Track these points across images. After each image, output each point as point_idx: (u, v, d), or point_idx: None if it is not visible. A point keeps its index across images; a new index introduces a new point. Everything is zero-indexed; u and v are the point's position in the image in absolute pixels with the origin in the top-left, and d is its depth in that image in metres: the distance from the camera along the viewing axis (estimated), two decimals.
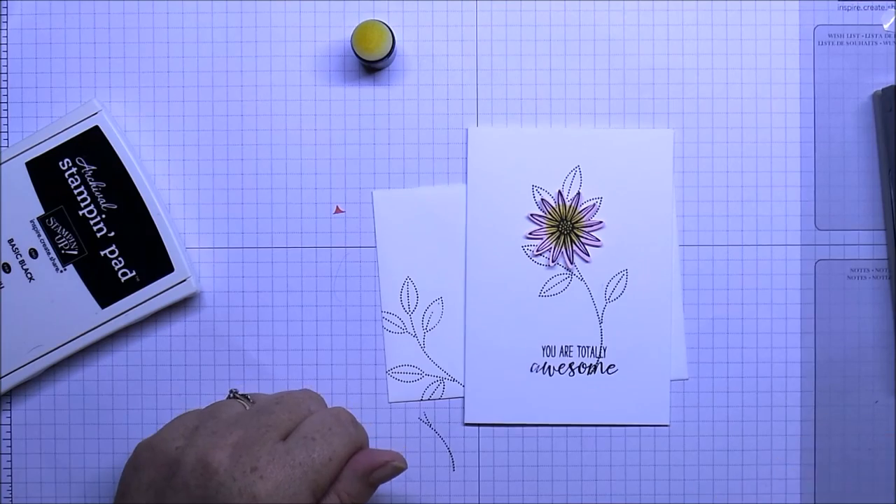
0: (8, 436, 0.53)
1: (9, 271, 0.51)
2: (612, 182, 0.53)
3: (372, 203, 0.53)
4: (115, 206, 0.51)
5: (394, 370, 0.53)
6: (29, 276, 0.51)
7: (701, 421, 0.53)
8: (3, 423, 0.53)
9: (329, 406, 0.52)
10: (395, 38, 0.51)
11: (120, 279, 0.51)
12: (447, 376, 0.53)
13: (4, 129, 0.53)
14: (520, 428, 0.53)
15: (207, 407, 0.48)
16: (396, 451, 0.53)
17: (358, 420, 0.52)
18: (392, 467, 0.47)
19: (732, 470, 0.53)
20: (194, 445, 0.44)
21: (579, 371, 0.53)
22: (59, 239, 0.51)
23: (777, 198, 0.53)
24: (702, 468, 0.53)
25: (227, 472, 0.43)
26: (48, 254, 0.51)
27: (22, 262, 0.51)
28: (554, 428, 0.53)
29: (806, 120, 0.53)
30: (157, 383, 0.53)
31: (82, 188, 0.51)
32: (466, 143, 0.53)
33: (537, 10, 0.53)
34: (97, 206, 0.51)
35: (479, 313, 0.53)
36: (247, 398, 0.49)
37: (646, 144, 0.53)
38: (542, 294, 0.53)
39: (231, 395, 0.49)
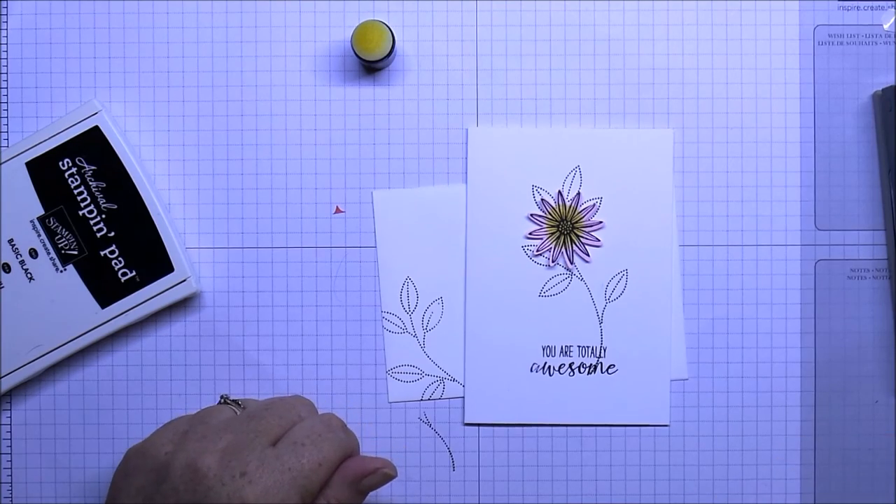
0: (8, 436, 0.53)
1: (9, 271, 0.51)
2: (612, 182, 0.53)
3: (372, 203, 0.53)
4: (115, 206, 0.51)
5: (394, 370, 0.53)
6: (29, 276, 0.51)
7: (701, 421, 0.53)
8: (3, 423, 0.53)
9: (321, 412, 0.52)
10: (395, 38, 0.51)
11: (120, 279, 0.51)
12: (447, 376, 0.53)
13: (4, 129, 0.53)
14: (520, 428, 0.53)
15: (197, 412, 0.48)
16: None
17: (356, 421, 0.53)
18: (382, 474, 0.47)
19: (732, 470, 0.53)
20: (184, 450, 0.44)
21: (579, 371, 0.53)
22: (59, 239, 0.51)
23: (777, 198, 0.53)
24: (702, 468, 0.53)
25: (216, 477, 0.43)
26: (48, 254, 0.51)
27: (22, 262, 0.51)
28: (554, 428, 0.53)
29: (806, 120, 0.53)
30: (157, 383, 0.53)
31: (82, 188, 0.51)
32: (466, 143, 0.53)
33: (537, 10, 0.53)
34: (97, 206, 0.51)
35: (479, 313, 0.53)
36: (237, 403, 0.49)
37: (646, 144, 0.53)
38: (542, 294, 0.53)
39: (222, 400, 0.49)
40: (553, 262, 0.53)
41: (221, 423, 0.46)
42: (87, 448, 0.53)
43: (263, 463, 0.44)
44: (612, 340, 0.53)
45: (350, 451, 0.47)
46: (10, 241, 0.51)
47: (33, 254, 0.51)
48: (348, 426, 0.51)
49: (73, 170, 0.51)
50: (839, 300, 0.53)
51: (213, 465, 0.43)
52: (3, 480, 0.53)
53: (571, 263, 0.53)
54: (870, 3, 0.53)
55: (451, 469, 0.53)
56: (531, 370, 0.53)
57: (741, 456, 0.53)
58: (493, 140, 0.53)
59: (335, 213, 0.53)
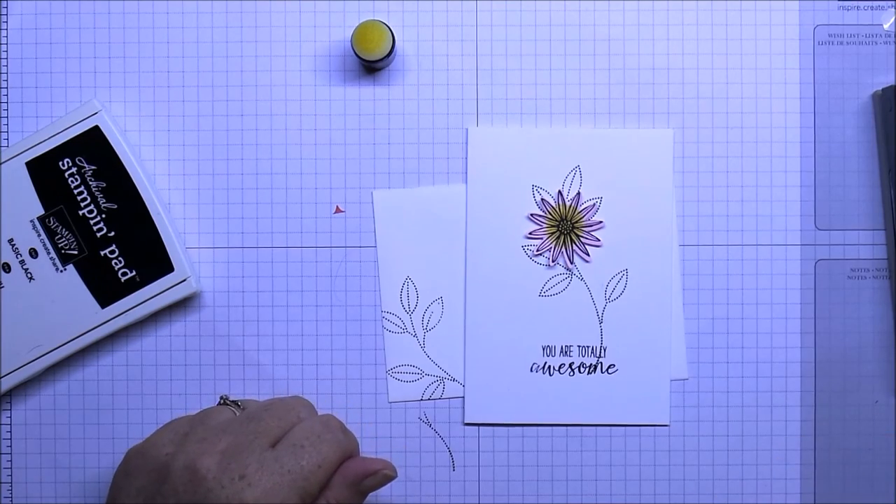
0: (8, 436, 0.53)
1: (9, 271, 0.51)
2: (612, 182, 0.53)
3: (372, 203, 0.53)
4: (115, 206, 0.51)
5: (394, 370, 0.53)
6: (29, 276, 0.51)
7: (701, 421, 0.53)
8: (3, 423, 0.53)
9: (321, 412, 0.52)
10: (395, 38, 0.51)
11: (120, 279, 0.51)
12: (447, 376, 0.53)
13: (4, 129, 0.53)
14: (520, 428, 0.53)
15: (197, 413, 0.48)
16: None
17: (356, 421, 0.53)
18: (383, 475, 0.47)
19: (732, 470, 0.53)
20: (183, 452, 0.44)
21: (579, 371, 0.53)
22: (59, 239, 0.51)
23: (777, 198, 0.53)
24: (702, 468, 0.53)
25: (216, 480, 0.43)
26: (48, 254, 0.51)
27: (22, 262, 0.51)
28: (554, 428, 0.53)
29: (806, 120, 0.53)
30: (157, 383, 0.53)
31: (82, 188, 0.51)
32: (466, 143, 0.53)
33: (537, 10, 0.53)
34: (97, 205, 0.51)
35: (479, 313, 0.53)
36: (237, 404, 0.49)
37: (646, 144, 0.53)
38: (542, 294, 0.53)
39: (221, 401, 0.49)
40: (553, 261, 0.53)
41: (221, 424, 0.46)
42: (87, 448, 0.53)
43: (262, 465, 0.44)
44: (612, 340, 0.53)
45: (350, 451, 0.47)
46: (10, 241, 0.51)
47: (33, 254, 0.51)
48: (348, 426, 0.51)
49: (73, 170, 0.51)
50: (839, 300, 0.53)
51: (213, 468, 0.43)
52: (3, 480, 0.53)
53: (571, 263, 0.53)
54: (870, 3, 0.53)
55: (451, 469, 0.53)
56: (531, 370, 0.53)
57: (741, 456, 0.53)
58: (493, 140, 0.53)
59: (335, 213, 0.53)
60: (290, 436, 0.46)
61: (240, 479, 0.43)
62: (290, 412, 0.47)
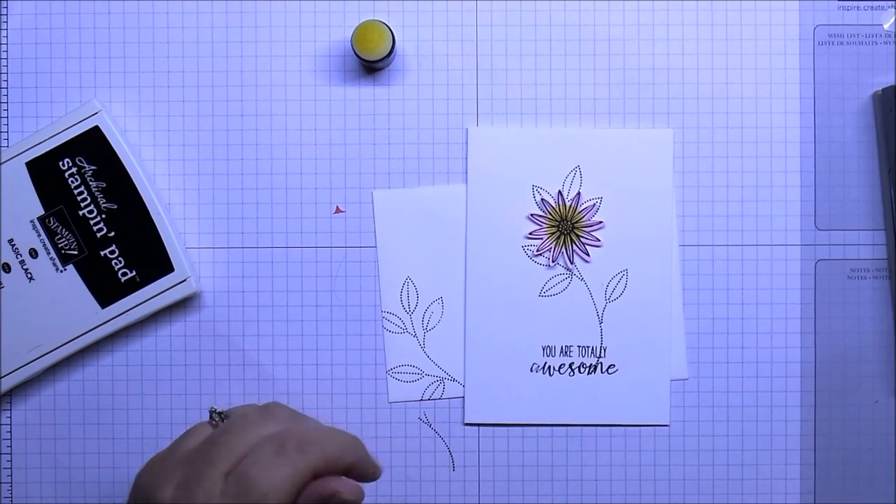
0: (8, 436, 0.53)
1: (9, 271, 0.51)
2: (612, 182, 0.53)
3: (372, 203, 0.53)
4: (115, 206, 0.51)
5: (394, 370, 0.53)
6: (29, 276, 0.51)
7: (701, 421, 0.53)
8: (3, 423, 0.53)
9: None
10: (395, 38, 0.51)
11: (120, 279, 0.51)
12: (447, 376, 0.53)
13: (4, 129, 0.53)
14: (520, 428, 0.53)
15: (182, 434, 0.46)
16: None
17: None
18: (339, 500, 0.44)
19: (732, 470, 0.53)
20: (149, 484, 0.43)
21: (579, 371, 0.53)
22: (59, 239, 0.51)
23: (777, 198, 0.53)
24: (702, 468, 0.53)
25: None
26: (48, 254, 0.51)
27: (22, 262, 0.51)
28: (554, 428, 0.53)
29: (806, 120, 0.53)
30: (157, 383, 0.53)
31: (82, 188, 0.51)
32: (466, 143, 0.53)
33: (537, 10, 0.53)
34: (97, 206, 0.51)
35: (479, 313, 0.53)
36: (221, 417, 0.47)
37: (646, 144, 0.53)
38: (542, 294, 0.53)
39: (210, 414, 0.47)
40: (553, 262, 0.53)
41: (189, 451, 0.44)
42: (87, 448, 0.53)
43: (209, 501, 0.42)
44: (612, 340, 0.53)
45: (313, 471, 0.44)
46: (10, 241, 0.51)
47: (33, 254, 0.51)
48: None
49: (73, 170, 0.51)
50: (839, 300, 0.53)
51: (167, 502, 0.42)
52: (3, 480, 0.53)
53: (571, 263, 0.53)
54: (870, 3, 0.53)
55: (451, 469, 0.53)
56: (531, 370, 0.53)
57: (741, 456, 0.53)
58: (493, 140, 0.53)
59: (335, 213, 0.53)
60: (241, 464, 0.43)
61: None
62: (251, 430, 0.44)
